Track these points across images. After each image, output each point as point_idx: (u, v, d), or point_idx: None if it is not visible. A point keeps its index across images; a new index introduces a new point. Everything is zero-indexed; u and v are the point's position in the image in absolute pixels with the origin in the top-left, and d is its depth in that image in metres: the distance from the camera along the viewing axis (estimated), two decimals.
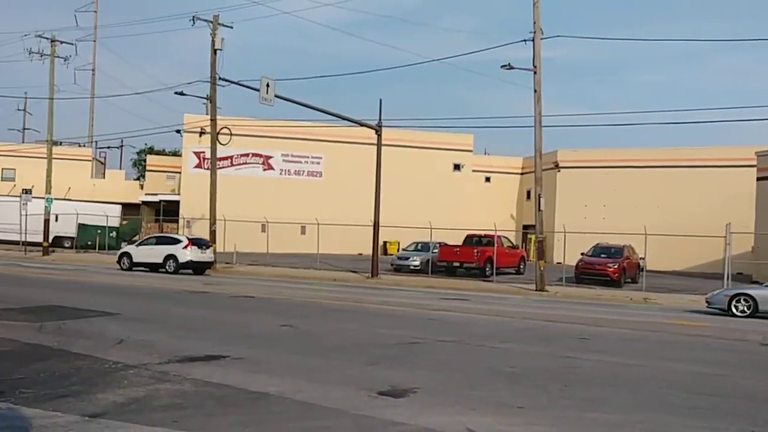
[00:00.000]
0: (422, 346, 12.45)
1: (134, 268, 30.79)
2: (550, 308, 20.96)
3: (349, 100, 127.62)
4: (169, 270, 29.70)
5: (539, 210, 28.24)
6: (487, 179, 57.85)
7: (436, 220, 35.90)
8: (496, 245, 33.71)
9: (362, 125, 33.35)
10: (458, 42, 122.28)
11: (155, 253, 30.49)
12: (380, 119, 31.89)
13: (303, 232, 44.01)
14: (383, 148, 32.35)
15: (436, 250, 34.85)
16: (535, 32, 27.57)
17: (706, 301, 21.37)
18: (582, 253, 32.71)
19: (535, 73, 27.74)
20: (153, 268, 30.44)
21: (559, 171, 50.61)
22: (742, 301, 20.24)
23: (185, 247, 30.32)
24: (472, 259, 33.63)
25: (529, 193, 52.92)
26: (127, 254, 31.62)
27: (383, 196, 32.45)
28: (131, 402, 7.53)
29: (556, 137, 68.50)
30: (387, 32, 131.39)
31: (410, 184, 50.00)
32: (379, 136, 31.86)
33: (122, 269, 30.74)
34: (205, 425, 6.82)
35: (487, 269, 33.20)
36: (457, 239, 36.00)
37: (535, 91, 27.81)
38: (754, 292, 20.66)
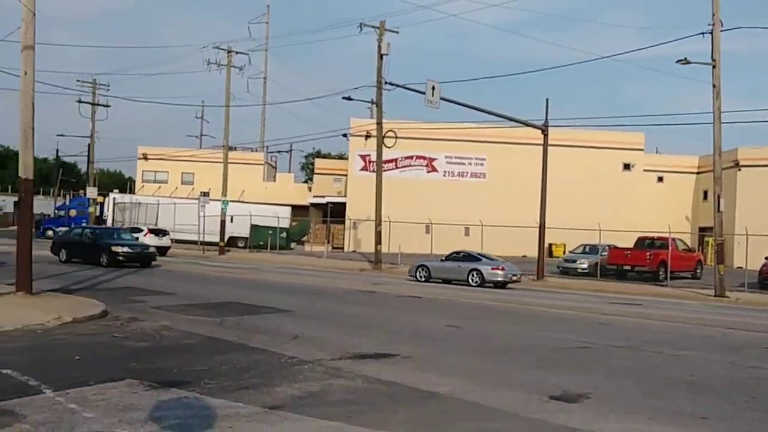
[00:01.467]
0: (593, 351, 11.98)
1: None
2: (732, 315, 19.51)
3: (514, 101, 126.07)
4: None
5: (718, 211, 26.38)
6: (660, 179, 54.89)
7: (604, 222, 34.54)
8: (670, 248, 31.90)
9: (528, 125, 32.75)
10: (622, 38, 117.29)
11: None
12: (546, 119, 31.17)
13: (467, 233, 43.89)
14: (549, 148, 31.58)
15: (605, 253, 33.53)
16: (714, 24, 25.82)
17: None
18: (766, 257, 30.20)
19: (714, 67, 25.96)
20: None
21: (739, 170, 47.04)
22: None
23: (145, 234, 37.97)
24: (644, 262, 32.02)
25: (706, 193, 49.63)
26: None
27: (549, 197, 31.68)
28: (307, 396, 7.78)
29: (736, 134, 63.95)
30: (550, 30, 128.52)
31: (577, 184, 48.43)
32: (546, 135, 31.15)
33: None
34: (377, 421, 6.90)
35: (661, 273, 31.47)
36: (627, 241, 34.44)
37: (714, 86, 26.02)
38: None
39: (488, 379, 9.07)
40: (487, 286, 26.00)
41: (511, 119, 32.54)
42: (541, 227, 31.26)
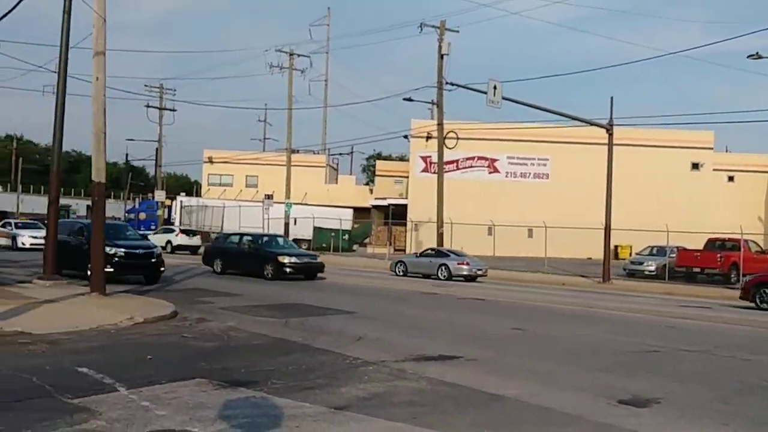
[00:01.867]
0: (662, 355, 11.70)
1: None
2: None
3: (578, 100, 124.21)
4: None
5: None
6: (730, 179, 53.25)
7: (672, 223, 33.63)
8: (742, 249, 30.87)
9: (592, 124, 32.18)
10: (688, 34, 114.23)
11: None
12: (611, 118, 30.55)
13: (530, 235, 43.38)
14: (614, 147, 30.96)
15: (673, 255, 32.68)
16: None
17: None
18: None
19: None
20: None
21: None
22: None
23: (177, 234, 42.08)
24: (714, 264, 31.08)
25: None
26: None
27: (614, 198, 31.03)
28: (372, 397, 7.82)
29: None
30: (614, 27, 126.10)
31: (643, 184, 47.35)
32: (611, 135, 30.54)
33: None
34: (443, 423, 6.88)
35: (732, 276, 30.49)
36: (696, 243, 33.47)
37: None
38: None
39: (554, 382, 8.96)
40: (456, 279, 28.66)
41: (574, 118, 32.04)
42: (607, 228, 30.66)
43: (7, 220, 43.39)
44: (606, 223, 30.69)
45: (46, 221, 20.80)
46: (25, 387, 7.65)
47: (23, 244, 36.75)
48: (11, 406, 6.79)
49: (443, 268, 28.94)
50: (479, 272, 29.43)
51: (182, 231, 45.20)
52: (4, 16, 18.17)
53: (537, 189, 50.00)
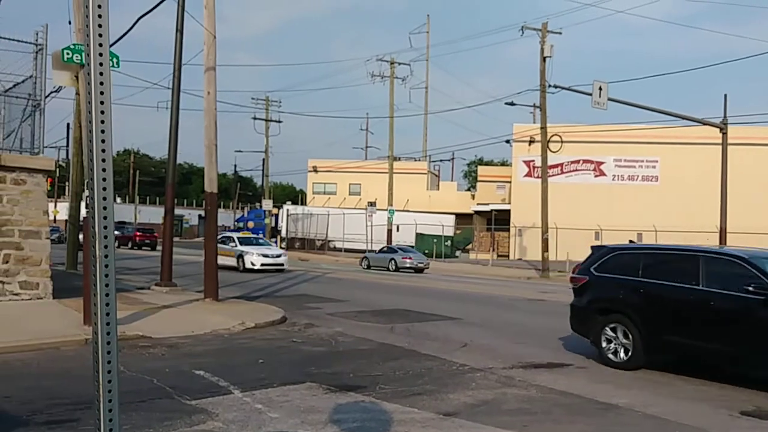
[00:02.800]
0: None
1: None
2: None
3: (688, 99, 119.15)
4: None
5: None
6: None
7: None
8: None
9: (704, 124, 30.79)
10: None
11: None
12: (725, 116, 29.16)
13: (639, 239, 41.93)
14: (729, 147, 29.50)
15: None
16: None
17: None
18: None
19: None
20: None
21: None
22: None
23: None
24: None
25: None
26: None
27: (730, 200, 29.56)
28: (481, 404, 7.73)
29: None
30: (723, 21, 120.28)
31: (761, 185, 44.89)
32: (725, 134, 29.12)
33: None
34: None
35: None
36: None
37: None
38: None
39: (670, 392, 8.59)
40: (404, 270, 34.85)
41: (685, 118, 30.74)
42: (722, 232, 29.23)
43: (226, 234, 33.92)
44: (721, 227, 29.27)
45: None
46: (148, 388, 8.02)
47: (252, 264, 29.59)
48: (136, 407, 7.12)
49: (391, 261, 35.52)
50: (420, 265, 35.42)
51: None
52: (122, 36, 19.21)
53: (646, 192, 48.28)
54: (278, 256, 31.19)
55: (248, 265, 29.72)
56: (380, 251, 38.68)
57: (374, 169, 63.95)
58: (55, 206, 60.23)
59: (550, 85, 33.10)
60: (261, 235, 37.86)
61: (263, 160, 58.41)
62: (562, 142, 45.58)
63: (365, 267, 37.17)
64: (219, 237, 32.51)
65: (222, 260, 29.04)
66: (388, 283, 27.16)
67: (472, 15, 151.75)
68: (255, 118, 55.75)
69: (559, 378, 9.24)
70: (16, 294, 14.62)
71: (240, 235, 34.02)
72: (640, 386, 8.91)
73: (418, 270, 35.14)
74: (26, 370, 9.00)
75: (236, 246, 31.07)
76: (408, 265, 35.15)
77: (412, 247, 42.95)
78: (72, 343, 10.72)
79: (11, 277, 14.56)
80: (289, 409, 7.25)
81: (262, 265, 29.78)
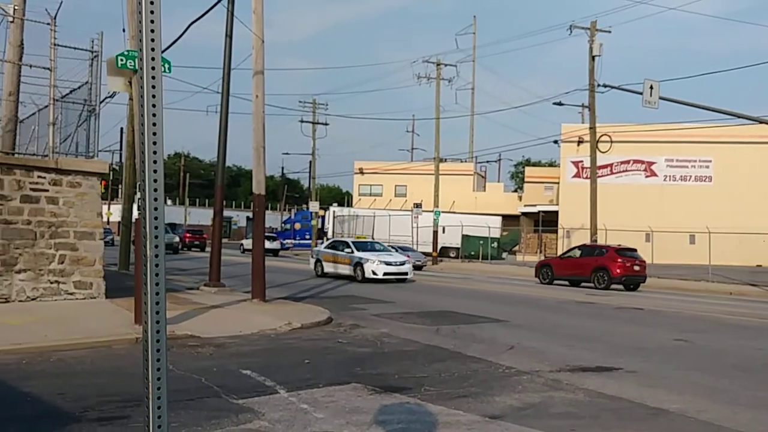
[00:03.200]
0: None
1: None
2: None
3: (743, 97, 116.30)
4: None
5: None
6: None
7: None
8: None
9: (761, 122, 29.97)
10: None
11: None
12: None
13: (692, 241, 41.06)
14: None
15: None
16: None
17: None
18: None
19: None
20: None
21: None
22: None
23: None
24: None
25: None
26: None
27: None
28: (527, 407, 7.66)
29: None
30: None
31: None
32: None
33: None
34: None
35: None
36: None
37: None
38: None
39: (724, 398, 8.38)
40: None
41: (740, 116, 29.96)
42: None
43: (339, 239, 33.38)
44: None
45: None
46: (196, 387, 8.15)
47: (374, 273, 26.59)
48: (185, 405, 7.25)
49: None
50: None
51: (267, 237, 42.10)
52: (174, 42, 19.58)
53: (699, 192, 47.24)
54: (402, 263, 27.66)
55: (368, 274, 26.42)
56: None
57: (420, 171, 63.93)
58: (108, 208, 61.67)
59: (599, 85, 32.65)
60: (380, 244, 31.64)
61: (310, 162, 58.92)
62: (611, 142, 44.88)
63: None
64: (330, 242, 31.73)
65: (333, 268, 28.00)
66: (433, 284, 27.09)
67: (518, 15, 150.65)
68: (302, 121, 56.24)
69: (608, 382, 9.10)
70: (71, 293, 15.02)
71: (355, 239, 31.54)
72: (693, 392, 8.72)
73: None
74: (80, 368, 9.24)
75: (353, 252, 27.72)
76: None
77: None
78: (123, 342, 10.96)
79: (66, 277, 14.96)
80: (334, 409, 7.30)
81: (385, 274, 26.54)
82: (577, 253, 29.63)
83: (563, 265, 29.37)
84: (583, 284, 27.93)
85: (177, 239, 52.20)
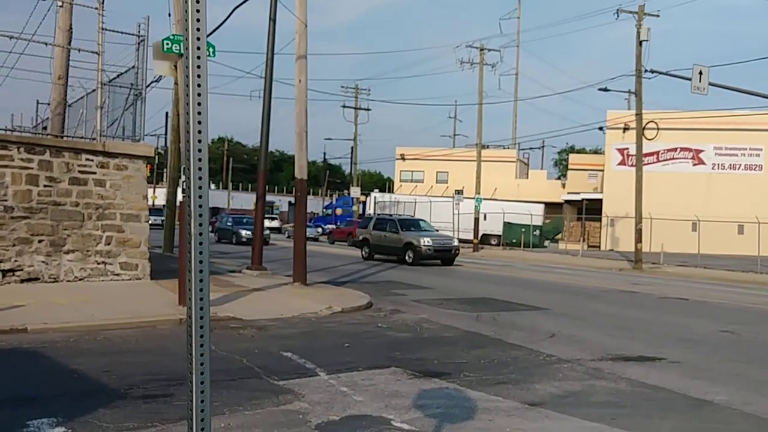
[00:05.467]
0: None
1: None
2: None
3: None
4: None
5: None
6: None
7: None
8: None
9: None
10: None
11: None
12: None
13: (740, 231, 40.14)
14: None
15: None
16: None
17: None
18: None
19: None
20: None
21: None
22: None
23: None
24: None
25: None
26: None
27: None
28: (567, 395, 7.61)
29: None
30: None
31: None
32: None
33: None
34: (644, 426, 6.56)
35: None
36: None
37: None
38: None
39: None
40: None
41: None
42: None
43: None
44: None
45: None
46: (238, 368, 8.28)
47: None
48: (227, 384, 7.37)
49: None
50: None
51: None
52: (218, 27, 19.75)
53: (748, 181, 46.07)
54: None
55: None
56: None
57: (462, 157, 63.52)
58: (154, 192, 62.67)
59: (646, 70, 31.95)
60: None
61: (352, 147, 59.07)
62: (658, 129, 44.05)
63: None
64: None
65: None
66: (475, 271, 26.99)
67: None
68: (344, 106, 56.39)
69: (651, 372, 8.98)
70: (117, 274, 15.35)
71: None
72: (738, 383, 8.56)
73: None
74: (125, 347, 9.45)
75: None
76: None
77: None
78: (167, 322, 11.18)
79: (113, 258, 15.29)
80: (373, 392, 7.34)
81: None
82: None
83: None
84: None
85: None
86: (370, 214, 58.50)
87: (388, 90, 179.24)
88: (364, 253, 28.18)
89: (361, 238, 28.75)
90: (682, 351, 10.65)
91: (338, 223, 61.70)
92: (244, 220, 44.62)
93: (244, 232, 41.49)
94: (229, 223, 45.08)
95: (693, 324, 14.11)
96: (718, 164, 47.68)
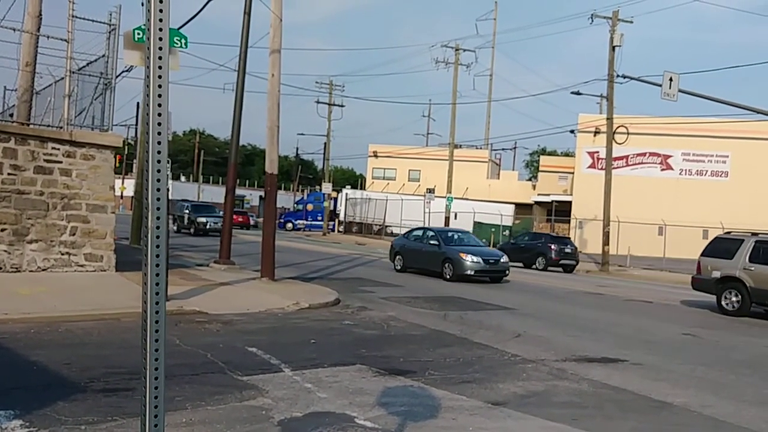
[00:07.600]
0: None
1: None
2: None
3: (765, 92, 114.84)
4: None
5: None
6: None
7: None
8: None
9: None
10: None
11: None
12: None
13: (705, 236, 40.65)
14: None
15: None
16: None
17: None
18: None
19: None
20: None
21: None
22: None
23: None
24: None
25: None
26: None
27: None
28: (531, 395, 7.65)
29: None
30: None
31: None
32: None
33: None
34: (605, 427, 6.62)
35: None
36: None
37: None
38: None
39: (729, 394, 8.34)
40: None
41: (759, 111, 29.57)
42: None
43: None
44: None
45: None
46: (202, 363, 8.19)
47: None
48: (190, 379, 7.29)
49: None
50: None
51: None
52: (192, 18, 19.54)
53: (714, 188, 46.82)
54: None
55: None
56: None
57: (434, 156, 63.68)
58: (123, 183, 61.91)
59: (618, 75, 32.31)
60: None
61: (324, 143, 58.83)
62: (628, 133, 44.50)
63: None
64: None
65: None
66: None
67: (540, 2, 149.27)
68: (318, 102, 56.11)
69: (613, 373, 9.07)
70: (81, 265, 15.12)
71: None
72: (698, 386, 8.68)
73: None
74: (87, 339, 9.31)
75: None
76: None
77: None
78: (132, 315, 11.03)
79: (77, 249, 15.06)
80: (338, 389, 7.32)
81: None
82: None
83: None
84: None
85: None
86: (340, 210, 58.53)
87: (363, 87, 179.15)
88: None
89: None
90: (644, 353, 10.78)
91: (308, 219, 61.54)
92: (204, 208, 42.64)
93: (202, 220, 39.78)
94: (186, 210, 42.04)
95: (656, 326, 14.30)
96: (686, 170, 48.39)
